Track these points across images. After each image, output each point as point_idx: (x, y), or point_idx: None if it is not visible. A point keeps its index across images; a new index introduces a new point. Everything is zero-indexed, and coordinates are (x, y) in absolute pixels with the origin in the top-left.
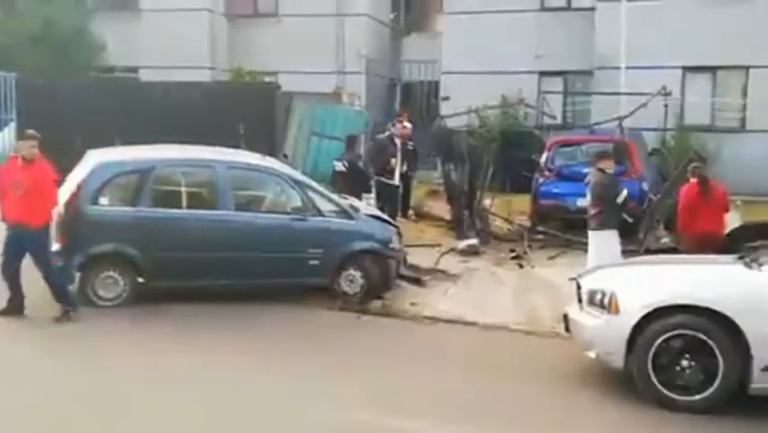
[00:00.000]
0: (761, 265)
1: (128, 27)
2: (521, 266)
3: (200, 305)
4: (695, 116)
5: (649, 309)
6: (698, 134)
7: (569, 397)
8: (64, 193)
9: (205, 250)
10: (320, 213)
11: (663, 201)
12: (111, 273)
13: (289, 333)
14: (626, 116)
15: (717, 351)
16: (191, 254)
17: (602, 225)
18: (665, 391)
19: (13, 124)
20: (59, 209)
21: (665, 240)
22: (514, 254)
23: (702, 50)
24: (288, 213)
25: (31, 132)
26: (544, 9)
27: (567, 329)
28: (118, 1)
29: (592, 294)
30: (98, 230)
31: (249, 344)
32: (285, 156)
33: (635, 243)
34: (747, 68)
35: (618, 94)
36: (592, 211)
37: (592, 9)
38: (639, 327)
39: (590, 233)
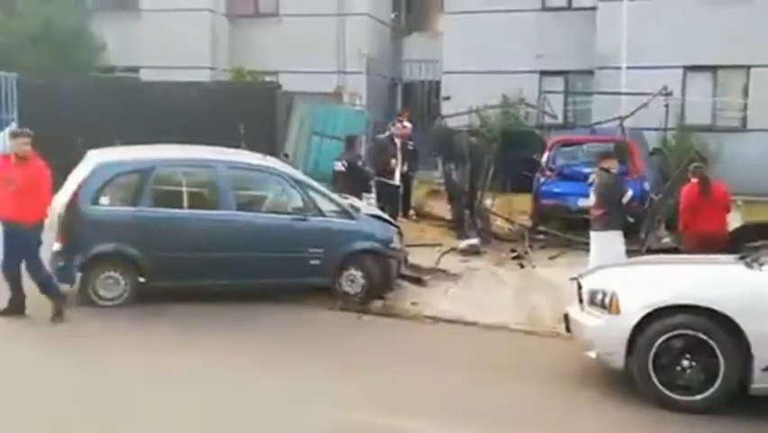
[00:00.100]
0: (762, 265)
1: (128, 27)
2: (522, 266)
3: (201, 305)
4: (696, 116)
5: (650, 309)
6: (699, 134)
7: (569, 397)
8: (65, 193)
9: (206, 250)
10: (321, 213)
11: (665, 201)
12: (112, 273)
13: (290, 333)
14: (627, 116)
15: (717, 351)
16: (192, 254)
17: (607, 226)
18: (666, 392)
19: (13, 125)
20: (59, 209)
21: (666, 240)
22: (515, 254)
23: (703, 50)
24: (288, 213)
25: (22, 129)
26: (544, 9)
27: (568, 329)
28: (118, 1)
29: (593, 294)
30: (99, 230)
31: (249, 344)
32: (286, 156)
33: (636, 242)
34: (748, 67)
35: (619, 93)
36: (597, 212)
37: (593, 9)
38: (640, 327)
39: (594, 234)
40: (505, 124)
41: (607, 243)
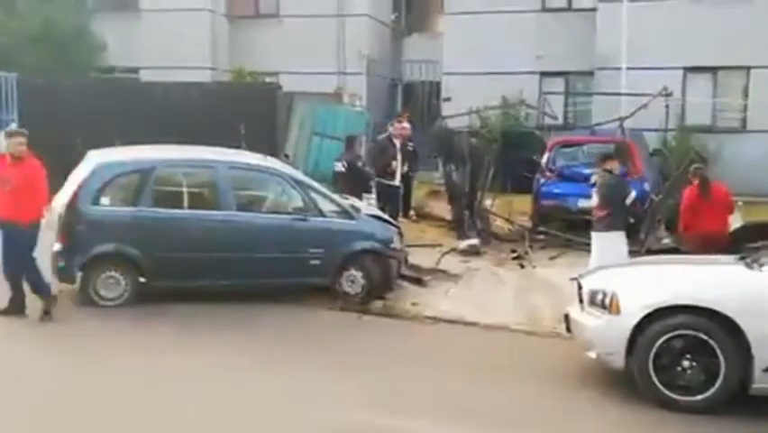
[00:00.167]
0: (762, 266)
1: (128, 27)
2: (522, 266)
3: (201, 305)
4: (696, 117)
5: (650, 310)
6: (699, 135)
7: (569, 397)
8: (65, 193)
9: (207, 250)
10: (321, 213)
11: (665, 202)
12: (112, 273)
13: (290, 333)
14: (627, 117)
15: (718, 351)
16: (192, 255)
17: (610, 228)
18: (666, 392)
19: (14, 125)
20: (60, 210)
21: (666, 240)
22: (515, 255)
23: (703, 51)
24: (289, 213)
25: (17, 129)
26: (544, 9)
27: (568, 329)
28: (118, 1)
29: (593, 294)
30: (99, 230)
31: (249, 344)
32: (286, 156)
33: (636, 243)
34: (748, 68)
35: (619, 94)
36: (600, 213)
37: (593, 10)
38: (640, 328)
39: (597, 235)
40: (505, 125)
41: (609, 243)
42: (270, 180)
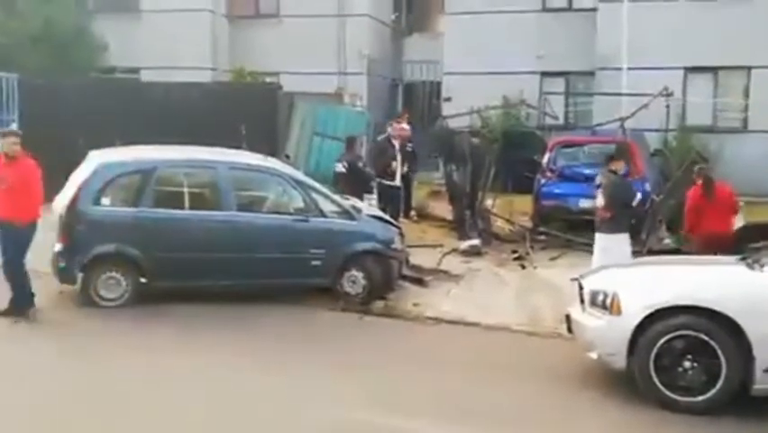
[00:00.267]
0: (763, 266)
1: (129, 28)
2: (523, 267)
3: (202, 305)
4: (697, 117)
5: (651, 310)
6: (700, 135)
7: (570, 397)
8: (66, 194)
9: (207, 250)
10: (322, 213)
11: (666, 202)
12: (113, 274)
13: (291, 333)
14: (627, 117)
15: (719, 352)
16: (193, 255)
17: (615, 229)
18: (667, 392)
19: (14, 125)
20: (61, 210)
21: (667, 241)
22: (516, 255)
23: (704, 51)
24: (290, 213)
25: (10, 129)
26: (545, 9)
27: (569, 330)
28: (119, 2)
29: (594, 295)
30: (100, 230)
31: (250, 344)
32: (287, 157)
33: (637, 243)
34: (749, 68)
35: (620, 95)
36: (605, 214)
37: (594, 10)
38: (641, 328)
39: (601, 236)
40: (506, 125)
41: (614, 245)
42: (271, 181)
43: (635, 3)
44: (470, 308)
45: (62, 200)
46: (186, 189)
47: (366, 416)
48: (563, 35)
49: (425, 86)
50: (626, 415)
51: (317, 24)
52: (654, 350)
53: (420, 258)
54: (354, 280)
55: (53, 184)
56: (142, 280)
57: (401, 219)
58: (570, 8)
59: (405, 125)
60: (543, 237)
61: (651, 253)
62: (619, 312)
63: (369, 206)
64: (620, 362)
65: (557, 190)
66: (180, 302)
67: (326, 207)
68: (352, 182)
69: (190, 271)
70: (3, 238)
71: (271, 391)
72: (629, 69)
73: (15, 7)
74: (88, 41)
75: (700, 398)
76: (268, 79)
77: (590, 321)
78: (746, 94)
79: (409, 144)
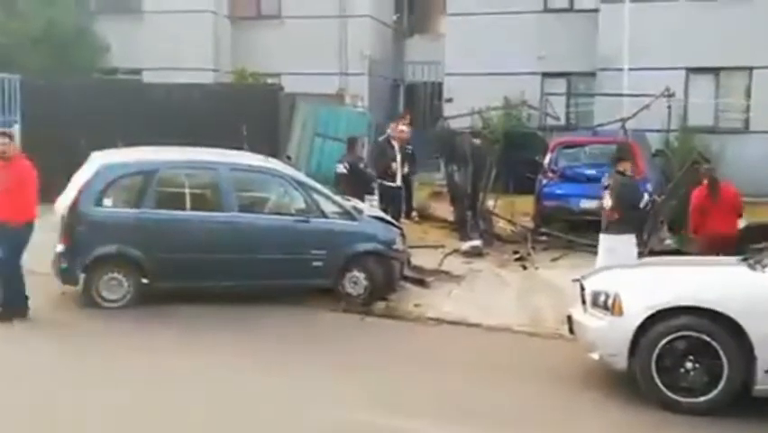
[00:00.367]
0: (764, 267)
1: (131, 29)
2: (524, 267)
3: (204, 306)
4: (698, 118)
5: (653, 311)
6: (701, 135)
7: (571, 398)
8: (68, 195)
9: (209, 251)
10: (323, 214)
11: (667, 203)
12: (115, 275)
13: (292, 334)
14: (629, 118)
15: (721, 353)
16: (195, 256)
17: (622, 230)
18: (669, 393)
19: (17, 126)
20: (63, 211)
21: (669, 241)
22: (517, 256)
23: (705, 52)
24: (291, 214)
25: (2, 129)
26: (546, 10)
27: (571, 331)
28: (121, 3)
29: (596, 295)
30: (102, 231)
31: (252, 345)
32: (288, 158)
33: (638, 244)
34: (750, 69)
35: (621, 95)
36: (613, 215)
37: (595, 10)
38: (643, 329)
39: (608, 237)
40: (507, 126)
41: (621, 246)
42: (273, 182)
43: (636, 3)
44: (472, 309)
45: (64, 201)
46: (187, 190)
47: (367, 417)
48: (565, 36)
49: (426, 87)
50: (628, 416)
51: (319, 25)
52: (656, 351)
53: (421, 259)
54: (356, 281)
55: (54, 185)
56: (144, 280)
57: (402, 220)
58: (571, 9)
59: (403, 127)
60: (544, 238)
61: (652, 253)
62: (621, 313)
63: (370, 206)
64: (622, 362)
65: (558, 191)
66: (182, 303)
67: (328, 207)
68: (354, 183)
69: (192, 272)
70: (1, 239)
71: (273, 392)
72: (631, 69)
73: (16, 8)
74: (90, 42)
75: (702, 399)
76: (269, 80)
77: (592, 322)
78: (748, 94)
79: (408, 147)
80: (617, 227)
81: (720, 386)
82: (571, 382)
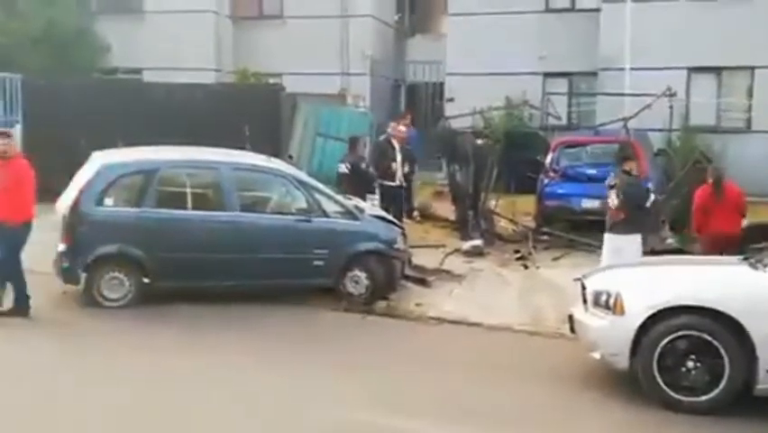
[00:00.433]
0: (766, 266)
1: (132, 29)
2: (526, 267)
3: (205, 306)
4: (700, 117)
5: (654, 310)
6: (703, 135)
7: (572, 398)
8: (69, 194)
9: (210, 251)
10: (325, 214)
11: (669, 202)
12: (116, 274)
13: (293, 334)
14: (630, 117)
15: (722, 352)
16: (196, 255)
17: (628, 230)
18: (670, 393)
19: (18, 126)
20: (64, 210)
21: (670, 241)
22: (518, 255)
23: (707, 51)
24: (292, 214)
25: (3, 129)
26: (548, 10)
27: (572, 330)
28: (122, 3)
29: (597, 295)
30: (103, 231)
31: (253, 344)
32: (290, 157)
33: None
34: (752, 68)
35: (623, 95)
36: (619, 215)
37: (597, 10)
38: (644, 328)
39: (614, 237)
40: (508, 126)
41: (627, 245)
42: (274, 181)
43: (638, 3)
44: (473, 309)
45: (65, 201)
46: (189, 190)
47: (368, 416)
48: (566, 36)
49: (427, 86)
50: (629, 415)
51: (320, 25)
52: (657, 350)
53: (423, 258)
54: (357, 281)
55: (55, 184)
56: (145, 280)
57: (404, 219)
58: (572, 9)
59: (401, 127)
60: (545, 237)
61: (654, 253)
62: (622, 312)
63: (371, 206)
64: (623, 362)
65: (560, 191)
66: (183, 302)
67: (329, 207)
68: (355, 183)
69: (193, 272)
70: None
71: (274, 391)
72: (632, 69)
73: (16, 8)
74: (90, 42)
75: (704, 398)
76: (271, 80)
77: (593, 321)
78: (750, 94)
79: (408, 147)
80: (624, 227)
81: (722, 385)
82: (572, 381)
